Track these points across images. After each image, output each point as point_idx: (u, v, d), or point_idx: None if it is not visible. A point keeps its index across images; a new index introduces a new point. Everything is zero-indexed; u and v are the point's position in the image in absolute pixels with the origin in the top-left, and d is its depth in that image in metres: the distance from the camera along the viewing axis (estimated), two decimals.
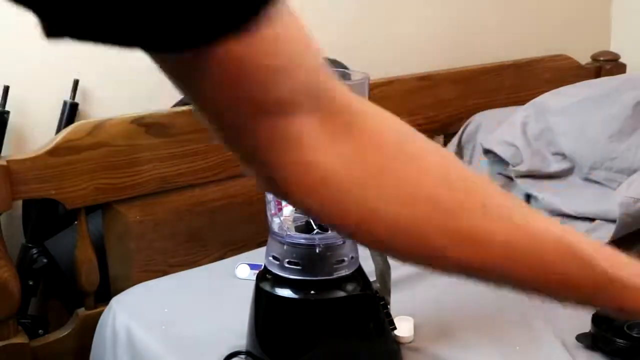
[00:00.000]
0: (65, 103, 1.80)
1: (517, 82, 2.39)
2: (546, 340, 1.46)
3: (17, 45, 1.77)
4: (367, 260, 1.41)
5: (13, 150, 1.77)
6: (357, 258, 1.36)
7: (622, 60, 2.58)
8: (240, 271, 1.76)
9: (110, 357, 1.63)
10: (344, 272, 1.33)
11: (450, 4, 2.42)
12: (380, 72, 2.09)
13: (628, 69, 2.57)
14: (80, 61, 1.83)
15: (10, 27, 1.75)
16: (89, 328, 1.72)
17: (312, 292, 1.31)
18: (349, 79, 1.37)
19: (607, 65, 2.56)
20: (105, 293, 1.78)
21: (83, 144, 1.69)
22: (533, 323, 1.52)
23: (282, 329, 1.34)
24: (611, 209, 1.69)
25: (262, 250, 1.77)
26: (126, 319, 1.62)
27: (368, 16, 2.26)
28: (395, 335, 1.42)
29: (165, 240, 1.84)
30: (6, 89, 1.73)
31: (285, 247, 1.33)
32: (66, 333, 1.74)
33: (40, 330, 1.77)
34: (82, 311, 1.76)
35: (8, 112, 1.74)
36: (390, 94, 2.12)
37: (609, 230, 1.68)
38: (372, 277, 1.40)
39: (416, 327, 1.47)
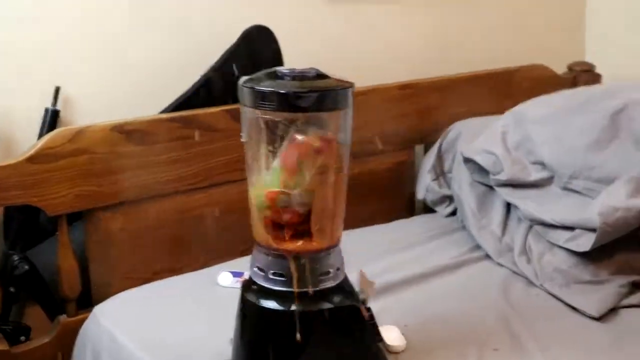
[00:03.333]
0: (47, 110, 1.79)
1: (496, 91, 2.41)
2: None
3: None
4: (352, 272, 1.41)
5: (0, 158, 1.76)
6: (342, 269, 1.36)
7: (597, 70, 2.61)
8: (222, 279, 1.76)
9: None
10: (329, 284, 1.33)
11: (430, 14, 2.43)
12: (361, 81, 2.10)
13: (603, 79, 2.60)
14: (63, 68, 1.83)
15: None
16: (70, 335, 1.72)
17: (298, 303, 1.30)
18: (335, 87, 1.35)
19: (583, 75, 2.59)
20: (87, 300, 1.78)
21: (63, 150, 1.69)
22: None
23: (268, 340, 1.33)
24: (591, 218, 1.70)
25: (244, 259, 1.77)
26: (109, 327, 1.61)
27: (350, 25, 2.26)
28: (388, 345, 1.42)
29: (148, 248, 1.83)
30: None
31: (270, 258, 1.33)
32: (47, 340, 1.73)
33: (21, 337, 1.75)
34: (63, 318, 1.75)
35: None
36: (371, 102, 2.12)
37: (589, 239, 1.70)
38: (358, 288, 1.40)
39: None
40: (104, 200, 1.76)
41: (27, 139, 1.78)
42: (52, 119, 1.79)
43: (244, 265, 1.44)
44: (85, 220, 1.77)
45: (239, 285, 1.43)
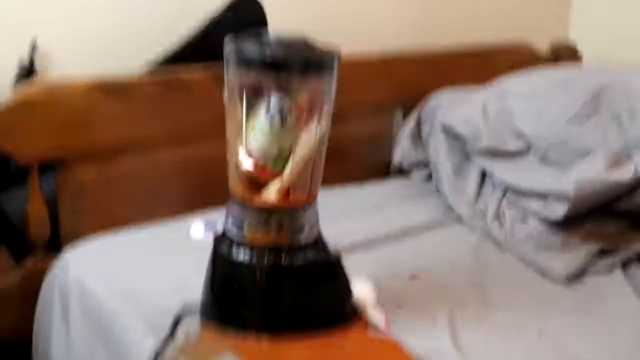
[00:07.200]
0: (22, 61, 1.77)
1: (478, 69, 2.40)
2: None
3: None
4: (327, 229, 1.41)
5: None
6: (317, 227, 1.37)
7: (580, 48, 2.62)
8: (195, 231, 1.75)
9: (58, 307, 1.61)
10: (304, 240, 1.33)
11: None
12: (345, 49, 2.09)
13: (586, 57, 2.61)
14: (40, 18, 1.82)
15: None
16: (37, 278, 1.70)
17: (271, 258, 1.31)
18: (319, 53, 1.34)
19: (566, 57, 2.59)
20: (56, 245, 1.76)
21: (39, 101, 1.68)
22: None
23: (238, 294, 1.33)
24: (565, 187, 1.71)
25: (219, 211, 1.77)
26: (79, 271, 1.60)
27: None
28: (358, 299, 1.42)
29: (120, 201, 1.82)
30: None
31: (245, 211, 1.33)
32: (13, 281, 1.71)
33: None
34: (30, 261, 1.74)
35: None
36: (354, 69, 2.10)
37: (562, 208, 1.71)
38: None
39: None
40: (78, 151, 1.74)
41: (1, 90, 1.76)
42: (27, 70, 1.77)
43: (219, 216, 1.43)
44: (57, 171, 1.75)
45: (211, 238, 1.42)
